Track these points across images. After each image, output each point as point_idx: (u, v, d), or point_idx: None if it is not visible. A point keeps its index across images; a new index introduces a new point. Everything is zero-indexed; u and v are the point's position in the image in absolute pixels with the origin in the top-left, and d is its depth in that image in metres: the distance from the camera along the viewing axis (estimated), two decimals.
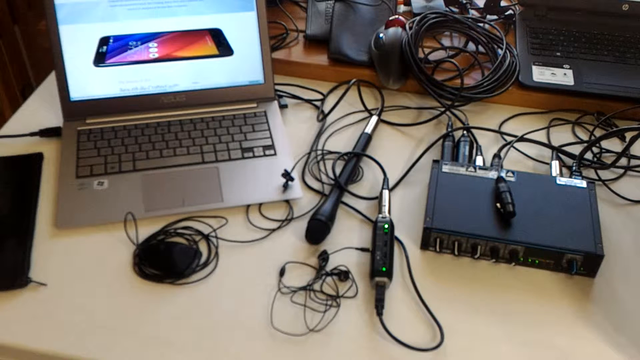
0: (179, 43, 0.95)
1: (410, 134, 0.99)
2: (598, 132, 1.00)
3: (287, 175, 0.86)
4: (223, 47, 0.97)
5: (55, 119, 0.97)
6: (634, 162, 0.95)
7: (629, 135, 1.00)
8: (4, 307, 0.72)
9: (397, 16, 1.09)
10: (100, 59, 0.93)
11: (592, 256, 0.76)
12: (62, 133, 0.92)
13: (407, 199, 0.88)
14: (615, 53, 1.09)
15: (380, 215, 0.81)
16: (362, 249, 0.80)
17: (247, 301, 0.74)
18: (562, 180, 0.84)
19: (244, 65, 0.98)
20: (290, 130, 0.98)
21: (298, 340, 0.70)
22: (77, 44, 0.92)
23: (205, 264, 0.78)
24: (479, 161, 0.89)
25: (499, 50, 1.07)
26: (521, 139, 0.94)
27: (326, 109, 1.02)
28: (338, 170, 0.91)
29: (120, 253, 0.79)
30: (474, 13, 1.19)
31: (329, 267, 0.78)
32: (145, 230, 0.81)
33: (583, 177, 0.86)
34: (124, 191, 0.85)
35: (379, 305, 0.72)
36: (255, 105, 0.99)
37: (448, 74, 1.08)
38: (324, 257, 0.78)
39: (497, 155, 0.91)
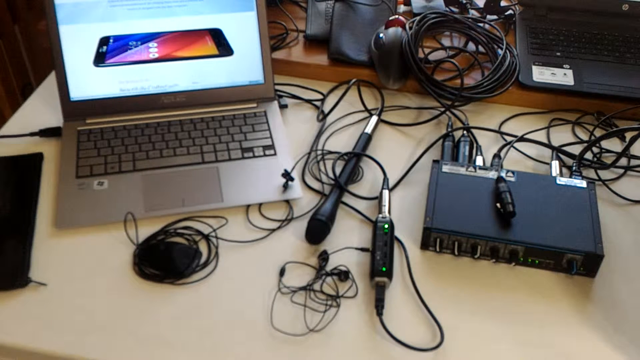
0: (178, 43, 0.95)
1: (410, 134, 0.99)
2: (598, 132, 1.00)
3: (287, 175, 0.86)
4: (223, 47, 0.97)
5: (55, 119, 0.97)
6: (634, 162, 0.95)
7: (629, 135, 1.00)
8: (4, 307, 0.72)
9: (397, 16, 1.09)
10: (100, 59, 0.93)
11: (592, 256, 0.76)
12: (62, 133, 0.92)
13: (407, 199, 0.88)
14: (615, 53, 1.09)
15: (380, 215, 0.81)
16: (362, 249, 0.80)
17: (247, 301, 0.74)
18: (562, 180, 0.84)
19: (244, 65, 0.98)
20: (290, 130, 0.98)
21: (298, 340, 0.70)
22: (77, 44, 0.92)
23: (205, 264, 0.78)
24: (479, 161, 0.89)
25: (499, 50, 1.07)
26: (521, 139, 0.94)
27: (326, 109, 1.02)
28: (338, 170, 0.91)
29: (120, 253, 0.79)
30: (474, 13, 1.19)
31: (329, 267, 0.78)
32: (145, 230, 0.81)
33: (583, 177, 0.86)
34: (124, 191, 0.85)
35: (379, 305, 0.72)
36: (255, 105, 0.99)
37: (448, 74, 1.08)
38: (324, 257, 0.78)
39: (497, 155, 0.91)
